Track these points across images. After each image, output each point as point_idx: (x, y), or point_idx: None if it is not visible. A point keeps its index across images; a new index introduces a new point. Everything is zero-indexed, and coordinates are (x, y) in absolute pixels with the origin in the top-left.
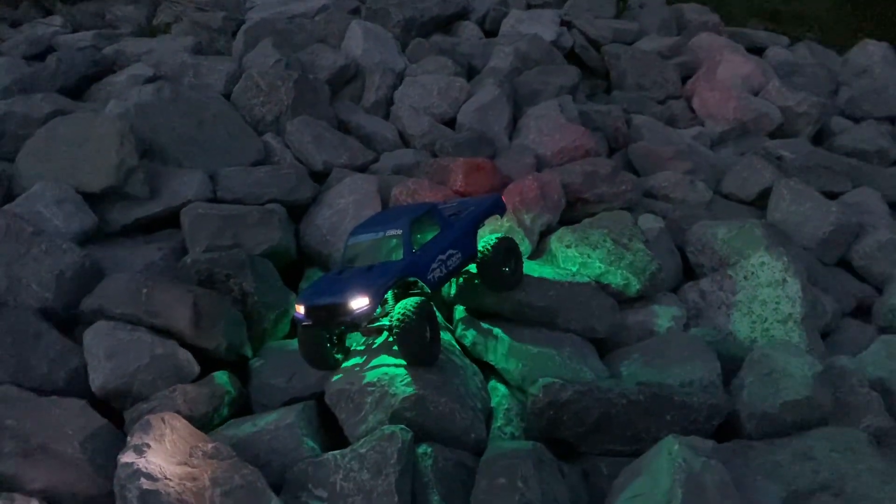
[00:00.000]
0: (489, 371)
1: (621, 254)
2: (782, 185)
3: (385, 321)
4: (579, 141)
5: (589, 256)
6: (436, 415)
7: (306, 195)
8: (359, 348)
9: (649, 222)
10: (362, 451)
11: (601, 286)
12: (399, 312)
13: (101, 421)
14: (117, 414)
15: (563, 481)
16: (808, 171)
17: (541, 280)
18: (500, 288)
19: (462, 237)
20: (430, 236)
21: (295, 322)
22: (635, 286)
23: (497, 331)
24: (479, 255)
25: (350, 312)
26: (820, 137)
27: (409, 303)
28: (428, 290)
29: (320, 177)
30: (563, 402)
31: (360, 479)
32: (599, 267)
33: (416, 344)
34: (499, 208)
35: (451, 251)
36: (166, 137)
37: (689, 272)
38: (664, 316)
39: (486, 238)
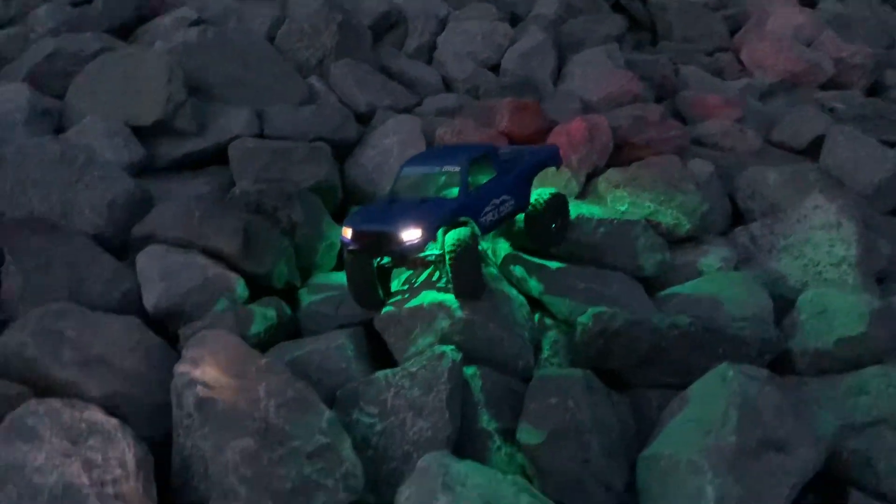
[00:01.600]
0: (536, 307)
1: (671, 194)
2: (836, 130)
3: (434, 250)
4: (627, 87)
5: (638, 196)
6: (484, 339)
7: (351, 134)
8: (402, 287)
9: (699, 166)
10: (413, 369)
11: (651, 225)
12: (453, 240)
13: (156, 338)
14: (169, 337)
15: (612, 409)
16: (864, 119)
17: (589, 218)
18: (542, 243)
19: (517, 185)
20: (485, 179)
21: (342, 247)
22: (685, 226)
23: (544, 262)
24: (530, 206)
25: (401, 243)
26: (874, 91)
27: (462, 232)
28: (479, 231)
29: (364, 119)
30: (614, 332)
31: (410, 396)
32: (649, 207)
33: (470, 272)
34: (556, 160)
35: (504, 197)
36: (213, 77)
37: (738, 219)
38: (714, 257)
39: (540, 191)
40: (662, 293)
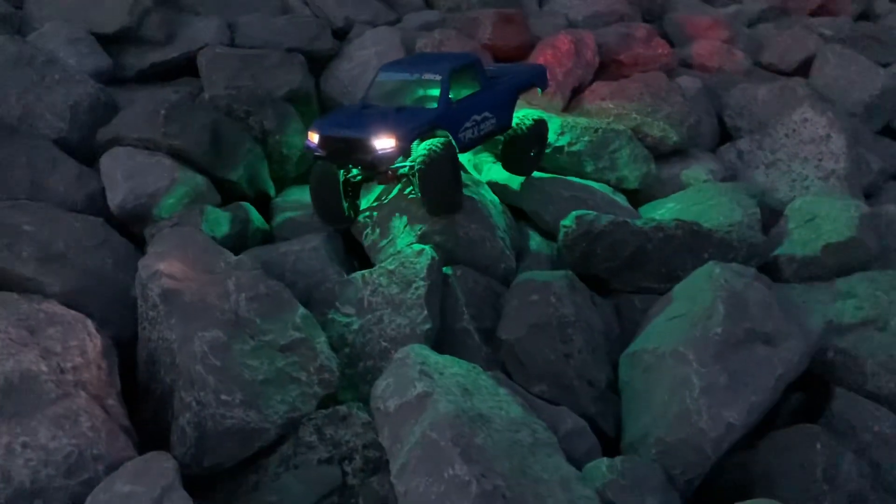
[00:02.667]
0: (519, 217)
1: (659, 105)
2: (827, 49)
3: (407, 163)
4: (613, 6)
5: (624, 108)
6: (465, 240)
7: (327, 46)
8: (372, 205)
9: (687, 82)
10: (391, 267)
11: (638, 137)
12: (424, 150)
13: (121, 238)
14: (135, 240)
15: (595, 309)
16: (855, 41)
17: (574, 126)
18: (517, 169)
19: (500, 102)
20: (467, 92)
21: (306, 153)
22: (673, 138)
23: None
24: (511, 129)
25: (372, 151)
26: (863, 20)
27: (435, 142)
28: (456, 146)
29: (341, 35)
30: (598, 233)
31: (388, 293)
32: (636, 118)
33: (442, 186)
34: (542, 80)
35: (486, 114)
36: None
37: (726, 138)
38: (700, 169)
39: (524, 113)
40: (649, 204)
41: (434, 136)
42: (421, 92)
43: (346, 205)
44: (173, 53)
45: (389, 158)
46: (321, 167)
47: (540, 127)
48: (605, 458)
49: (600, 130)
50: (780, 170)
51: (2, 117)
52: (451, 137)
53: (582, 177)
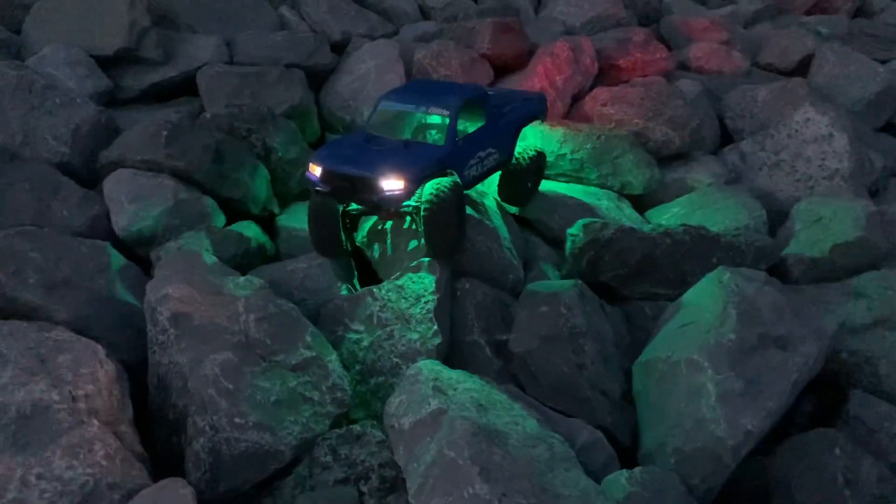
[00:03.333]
0: (525, 226)
1: (660, 109)
2: (826, 48)
3: (411, 202)
4: (610, 11)
5: (625, 113)
6: (473, 252)
7: (325, 60)
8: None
9: (686, 86)
10: (400, 282)
11: (640, 142)
12: (431, 192)
13: (127, 261)
14: (140, 263)
15: (605, 319)
16: (852, 38)
17: (577, 133)
18: (514, 201)
19: (504, 137)
20: (473, 126)
21: (307, 185)
22: (676, 142)
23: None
24: (513, 162)
25: (379, 192)
26: (859, 17)
27: (444, 182)
28: (460, 182)
29: (339, 49)
30: (605, 241)
31: (398, 308)
32: (637, 123)
33: (446, 232)
34: (543, 111)
35: (490, 150)
36: (178, 5)
37: (727, 140)
38: (704, 173)
39: (524, 147)
40: (654, 209)
41: (442, 175)
42: (426, 125)
43: (343, 237)
44: (172, 73)
45: (397, 200)
46: (320, 200)
47: (539, 160)
48: (624, 471)
49: (602, 137)
50: (783, 171)
51: (3, 143)
52: (458, 178)
53: (586, 184)
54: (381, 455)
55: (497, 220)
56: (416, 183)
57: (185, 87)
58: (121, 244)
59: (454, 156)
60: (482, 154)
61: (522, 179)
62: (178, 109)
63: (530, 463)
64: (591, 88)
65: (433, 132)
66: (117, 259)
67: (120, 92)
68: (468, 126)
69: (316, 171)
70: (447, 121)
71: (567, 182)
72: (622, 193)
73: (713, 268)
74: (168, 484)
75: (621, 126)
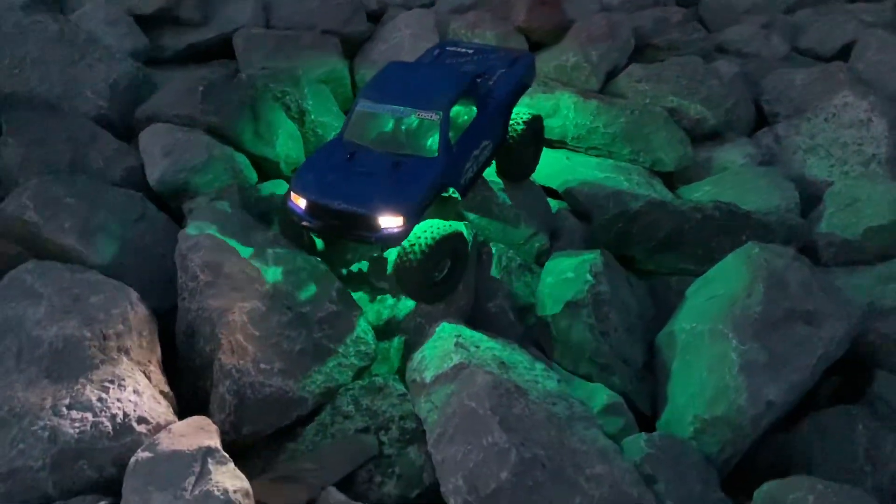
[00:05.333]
0: (554, 198)
1: (696, 88)
2: (869, 34)
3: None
4: None
5: (660, 90)
6: (500, 218)
7: (361, 28)
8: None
9: (723, 67)
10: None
11: (674, 120)
12: (413, 241)
13: (159, 212)
14: (172, 215)
15: (630, 289)
16: None
17: (610, 107)
18: (513, 176)
19: (497, 121)
20: (465, 119)
21: (286, 211)
22: (711, 121)
23: (560, 154)
24: (507, 137)
25: (376, 230)
26: None
27: (429, 234)
28: (459, 198)
29: (375, 17)
30: (634, 213)
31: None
32: (672, 101)
33: (416, 285)
34: (531, 76)
35: (485, 142)
36: None
37: (762, 124)
38: (737, 153)
39: (515, 115)
40: (685, 187)
41: (441, 193)
42: (416, 132)
43: (319, 241)
44: (209, 34)
45: (396, 239)
46: (291, 224)
47: (534, 126)
48: (642, 434)
49: (636, 112)
50: (818, 155)
51: (44, 94)
52: (452, 195)
53: (618, 158)
54: (402, 407)
55: (526, 188)
56: (416, 218)
57: (221, 48)
58: (154, 196)
59: (451, 167)
60: (477, 152)
61: (519, 153)
62: (214, 70)
63: (549, 418)
64: (627, 65)
65: (422, 139)
66: (150, 210)
67: (157, 51)
68: (458, 120)
69: (300, 202)
70: (437, 124)
71: (598, 156)
72: (653, 170)
73: (742, 245)
74: (194, 421)
75: (655, 102)
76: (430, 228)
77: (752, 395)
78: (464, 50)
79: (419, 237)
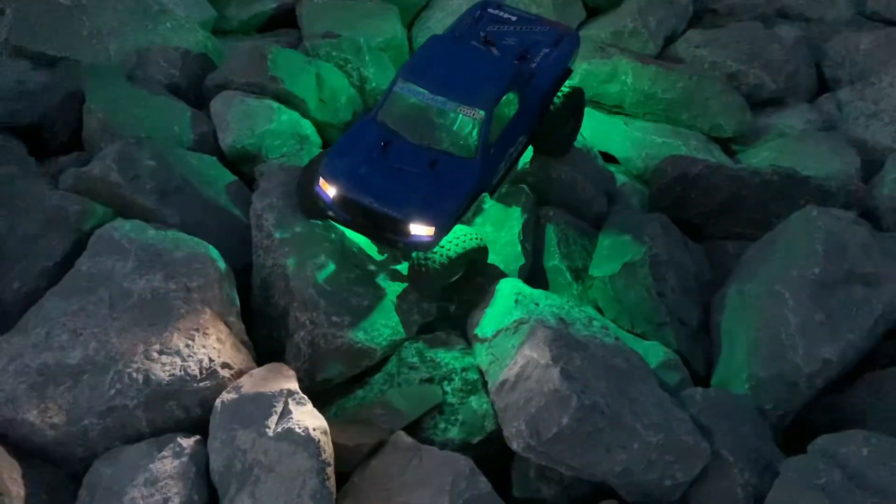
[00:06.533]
0: (612, 162)
1: (755, 54)
2: None
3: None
4: None
5: (719, 56)
6: (558, 182)
7: None
8: None
9: (785, 32)
10: (486, 205)
11: (733, 85)
12: (437, 249)
13: (232, 175)
14: (244, 179)
15: (687, 252)
16: None
17: (668, 72)
18: (549, 150)
19: (535, 114)
20: (506, 113)
21: (307, 191)
22: (770, 86)
23: (618, 119)
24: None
25: (406, 236)
26: None
27: (453, 247)
28: (488, 198)
29: None
30: (693, 177)
31: (483, 231)
32: (731, 66)
33: (425, 289)
34: (574, 58)
35: (521, 138)
36: None
37: (824, 90)
38: (797, 118)
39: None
40: (743, 152)
41: (475, 201)
42: (455, 126)
43: None
44: (273, 4)
45: (425, 247)
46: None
47: (575, 99)
48: (699, 388)
49: (694, 78)
50: (882, 121)
51: (120, 63)
52: (484, 242)
53: (675, 124)
54: (463, 360)
55: (584, 153)
56: (448, 229)
57: (284, 18)
58: (225, 159)
59: (487, 170)
60: (512, 150)
61: (555, 127)
62: (278, 39)
63: (608, 370)
64: (685, 31)
65: (461, 134)
66: (223, 173)
67: (223, 21)
68: (498, 113)
69: (329, 190)
70: (479, 123)
71: (656, 121)
72: (712, 136)
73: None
74: (273, 366)
75: (714, 68)
76: (456, 240)
77: (808, 354)
78: (506, 16)
79: (443, 247)
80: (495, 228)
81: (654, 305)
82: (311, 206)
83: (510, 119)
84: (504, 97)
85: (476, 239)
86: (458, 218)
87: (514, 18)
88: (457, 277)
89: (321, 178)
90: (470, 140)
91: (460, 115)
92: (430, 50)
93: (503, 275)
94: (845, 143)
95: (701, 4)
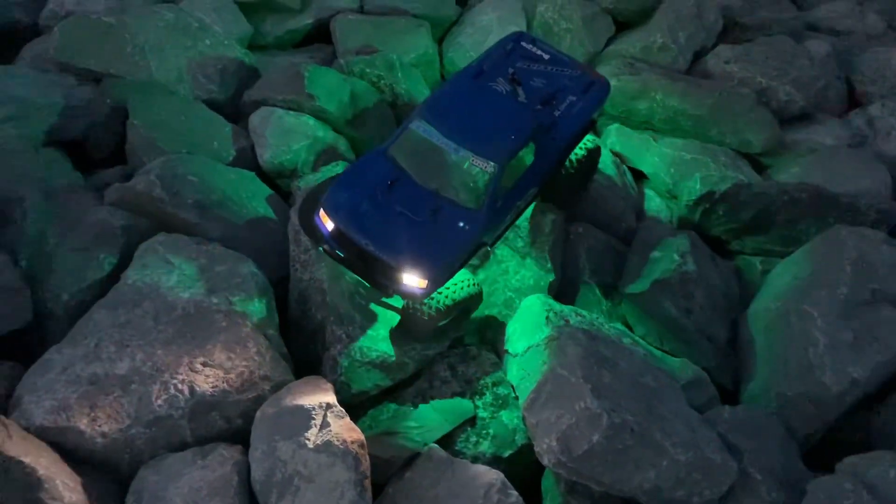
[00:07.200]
0: (638, 178)
1: (785, 69)
2: None
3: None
4: None
5: (748, 71)
6: (587, 198)
7: (449, 13)
8: None
9: (815, 46)
10: (518, 223)
11: (762, 101)
12: (433, 296)
13: (270, 190)
14: (281, 193)
15: (716, 269)
16: None
17: (697, 88)
18: (559, 204)
19: (549, 168)
20: (519, 165)
21: (307, 217)
22: (800, 102)
23: (646, 135)
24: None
25: (397, 283)
26: None
27: (448, 295)
28: (489, 248)
29: (463, 1)
30: (721, 194)
31: (514, 246)
32: (760, 82)
33: (418, 332)
34: (601, 109)
35: (532, 190)
36: None
37: (854, 105)
38: (827, 135)
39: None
40: (771, 169)
41: (475, 254)
42: (465, 176)
43: None
44: (308, 20)
45: (415, 298)
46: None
47: (592, 158)
48: (726, 406)
49: (724, 94)
50: None
51: (162, 79)
52: (479, 288)
53: (705, 140)
54: (495, 375)
55: (613, 169)
56: (440, 283)
57: (318, 33)
58: (263, 174)
59: (490, 224)
60: (520, 202)
61: (571, 184)
62: (312, 55)
63: (638, 388)
64: (714, 46)
65: (469, 184)
66: (262, 188)
67: (259, 37)
68: (518, 168)
69: (327, 223)
70: (490, 176)
71: (685, 137)
72: (741, 152)
73: (829, 228)
74: (311, 379)
75: (743, 84)
76: (453, 286)
77: (837, 373)
78: (539, 53)
79: (439, 293)
80: (525, 243)
81: (682, 323)
82: (312, 228)
83: (523, 172)
84: (521, 150)
85: (471, 286)
86: (453, 272)
87: (546, 57)
88: (447, 322)
89: (321, 209)
90: (478, 191)
91: (472, 166)
92: (453, 88)
93: None
94: (876, 159)
95: (730, 18)
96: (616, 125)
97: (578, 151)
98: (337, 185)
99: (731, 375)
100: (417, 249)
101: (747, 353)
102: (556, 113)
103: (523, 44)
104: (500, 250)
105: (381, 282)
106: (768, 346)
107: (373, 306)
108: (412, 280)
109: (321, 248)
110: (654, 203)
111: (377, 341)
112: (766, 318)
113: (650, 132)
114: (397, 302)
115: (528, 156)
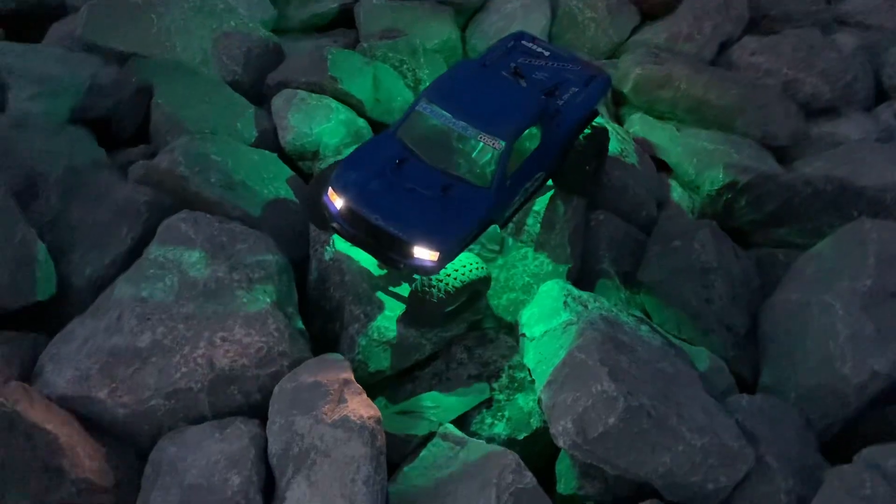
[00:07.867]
0: (662, 169)
1: (812, 62)
2: None
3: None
4: None
5: (775, 63)
6: (609, 186)
7: (474, 1)
8: None
9: (843, 39)
10: (537, 208)
11: (788, 93)
12: (441, 277)
13: (292, 172)
14: (303, 175)
15: (737, 260)
16: None
17: (722, 79)
18: (569, 187)
19: (555, 153)
20: (526, 147)
21: (315, 200)
22: (827, 95)
23: (670, 125)
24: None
25: (408, 258)
26: None
27: (458, 276)
28: (498, 227)
29: None
30: (744, 185)
31: (533, 232)
32: (787, 74)
33: (424, 316)
34: (602, 101)
35: (539, 174)
36: None
37: (883, 99)
38: (854, 129)
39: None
40: (796, 162)
41: (484, 230)
42: (473, 154)
43: None
44: (332, 4)
45: (426, 272)
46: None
47: (598, 139)
48: (744, 395)
49: (749, 85)
50: None
51: (187, 60)
52: (488, 272)
53: (728, 131)
54: (512, 358)
55: (636, 157)
56: (452, 256)
57: (342, 18)
58: (285, 156)
59: (499, 202)
60: (528, 184)
61: (580, 166)
62: (336, 39)
63: (655, 373)
64: (741, 37)
65: (478, 162)
66: (283, 169)
67: (283, 21)
68: (518, 147)
69: (337, 201)
70: (498, 154)
71: (708, 128)
72: (765, 144)
73: (853, 221)
74: (328, 357)
75: (769, 76)
76: (462, 269)
77: (857, 365)
78: (539, 50)
79: (448, 275)
80: (545, 229)
81: (701, 312)
82: (318, 215)
83: (530, 153)
84: (527, 130)
85: (480, 269)
86: (464, 246)
87: (546, 54)
88: (455, 307)
89: (330, 188)
90: (487, 169)
91: (480, 143)
92: (457, 73)
93: None
94: None
95: (757, 10)
96: (639, 114)
97: (583, 134)
98: (345, 164)
99: (750, 366)
100: (429, 222)
101: (767, 344)
102: (559, 102)
103: (524, 42)
104: (519, 235)
105: (391, 257)
106: (789, 337)
107: (379, 294)
108: (424, 253)
109: (333, 227)
110: (675, 193)
111: (395, 321)
112: (787, 309)
113: (673, 122)
114: (404, 291)
115: (534, 139)
